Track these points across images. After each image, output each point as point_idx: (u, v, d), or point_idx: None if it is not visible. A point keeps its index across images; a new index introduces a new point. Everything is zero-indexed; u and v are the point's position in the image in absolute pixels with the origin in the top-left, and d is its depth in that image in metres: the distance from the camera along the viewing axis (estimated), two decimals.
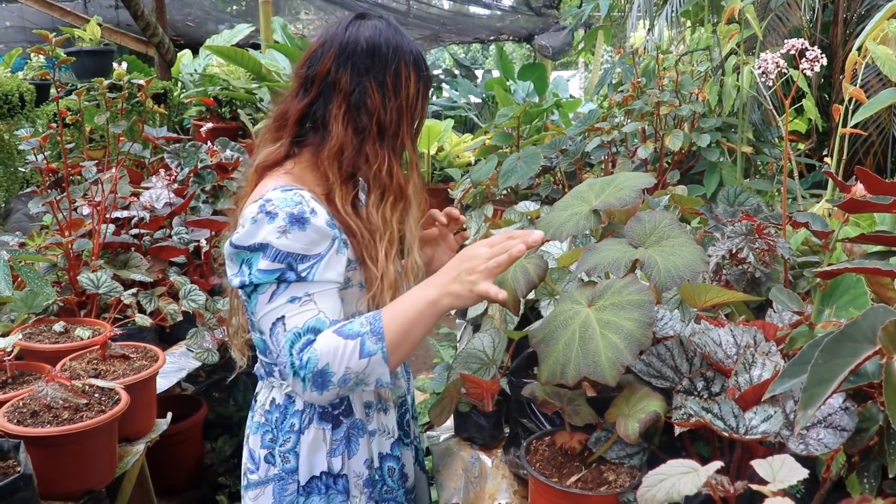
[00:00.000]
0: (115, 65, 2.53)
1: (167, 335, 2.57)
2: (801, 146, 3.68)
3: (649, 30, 4.06)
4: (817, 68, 1.74)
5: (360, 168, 1.43)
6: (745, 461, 1.28)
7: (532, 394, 1.34)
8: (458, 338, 2.58)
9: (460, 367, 1.69)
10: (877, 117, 3.83)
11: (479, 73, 10.36)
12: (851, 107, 2.55)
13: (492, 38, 7.39)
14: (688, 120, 3.07)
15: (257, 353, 1.51)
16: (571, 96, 9.67)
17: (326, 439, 1.46)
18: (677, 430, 1.26)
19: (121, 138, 2.53)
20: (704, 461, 1.36)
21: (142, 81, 2.41)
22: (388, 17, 1.51)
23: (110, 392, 1.68)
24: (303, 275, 1.29)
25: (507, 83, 8.32)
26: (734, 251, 1.83)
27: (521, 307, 1.75)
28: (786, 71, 1.83)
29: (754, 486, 0.87)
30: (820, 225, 1.62)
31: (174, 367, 2.38)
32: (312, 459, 1.45)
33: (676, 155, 3.06)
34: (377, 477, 1.51)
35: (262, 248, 1.29)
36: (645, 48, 3.20)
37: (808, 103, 2.77)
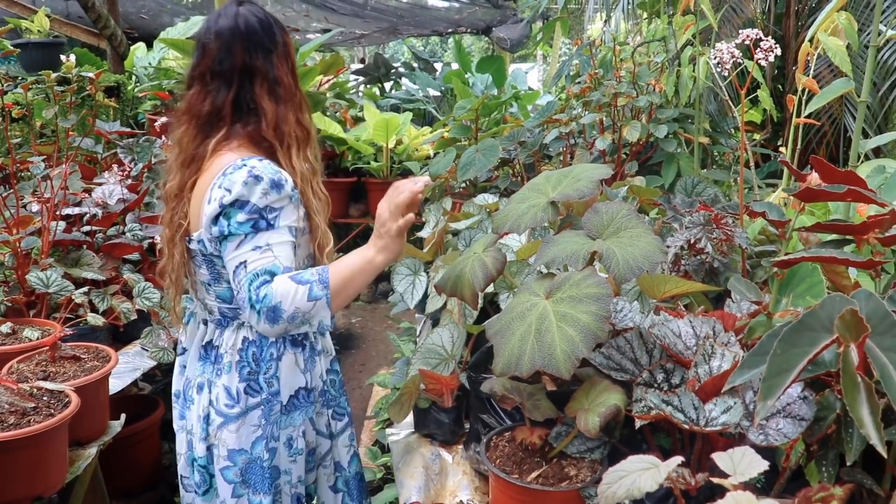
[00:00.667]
0: (62, 57, 2.46)
1: (121, 334, 2.51)
2: (757, 136, 3.72)
3: (606, 21, 4.07)
4: (771, 58, 1.75)
5: (288, 130, 1.66)
6: (706, 453, 1.28)
7: (491, 389, 1.32)
8: (417, 332, 2.56)
9: (419, 362, 1.68)
10: (829, 108, 3.88)
11: (437, 66, 10.32)
12: (805, 97, 2.58)
13: (450, 30, 7.36)
14: (645, 111, 3.08)
15: (220, 304, 1.69)
16: (530, 88, 9.68)
17: (298, 361, 1.71)
18: (638, 424, 1.25)
19: (71, 133, 2.46)
20: (665, 453, 1.37)
21: (91, 74, 2.35)
22: None
23: (60, 395, 1.63)
24: (272, 223, 1.54)
25: (466, 76, 8.30)
26: (692, 241, 1.83)
27: (480, 301, 1.73)
28: (741, 62, 1.83)
29: (715, 480, 0.86)
30: (777, 214, 1.63)
31: (128, 367, 2.33)
32: (291, 380, 1.69)
33: (634, 146, 3.07)
34: (326, 388, 1.81)
35: (243, 205, 1.52)
36: (602, 40, 3.20)
37: (763, 94, 2.79)
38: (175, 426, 1.78)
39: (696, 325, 1.37)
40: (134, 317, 2.43)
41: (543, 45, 15.05)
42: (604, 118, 2.99)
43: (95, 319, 2.23)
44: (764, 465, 0.88)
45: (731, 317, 1.46)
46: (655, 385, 1.31)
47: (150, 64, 5.92)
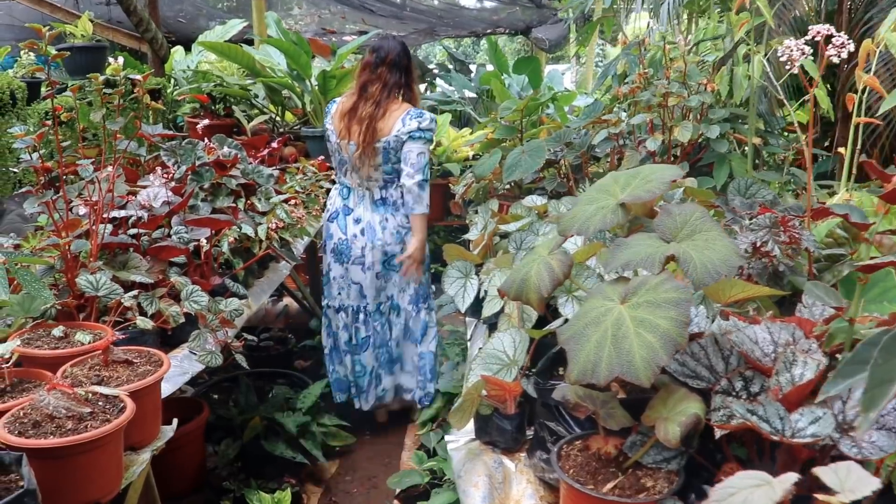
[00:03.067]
0: (110, 59, 2.45)
1: (169, 338, 2.50)
2: (804, 137, 3.62)
3: (650, 20, 4.00)
4: (844, 55, 1.68)
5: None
6: (788, 465, 1.22)
7: (563, 397, 1.27)
8: (468, 336, 2.51)
9: (480, 367, 1.63)
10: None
11: (472, 67, 10.28)
12: (865, 96, 2.50)
13: (488, 31, 7.31)
14: (696, 111, 3.01)
15: (385, 176, 3.60)
16: (566, 89, 9.60)
17: None
18: (718, 433, 1.20)
19: (118, 136, 2.45)
20: (742, 464, 1.31)
21: (138, 76, 2.34)
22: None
23: (115, 399, 1.61)
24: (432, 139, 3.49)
25: (502, 77, 8.25)
26: (758, 244, 1.77)
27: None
28: (809, 57, 1.77)
29: (821, 497, 0.81)
30: (859, 217, 1.56)
31: (177, 370, 2.31)
32: None
33: (684, 147, 3.00)
34: None
35: (429, 130, 3.44)
36: (648, 39, 3.14)
37: (820, 93, 2.71)
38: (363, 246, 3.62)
39: (773, 332, 1.31)
40: (182, 320, 2.42)
41: (580, 46, 14.95)
42: (653, 119, 2.93)
43: (144, 323, 2.21)
44: (875, 482, 0.83)
45: (808, 322, 1.39)
46: (734, 393, 1.25)
47: (188, 67, 5.94)
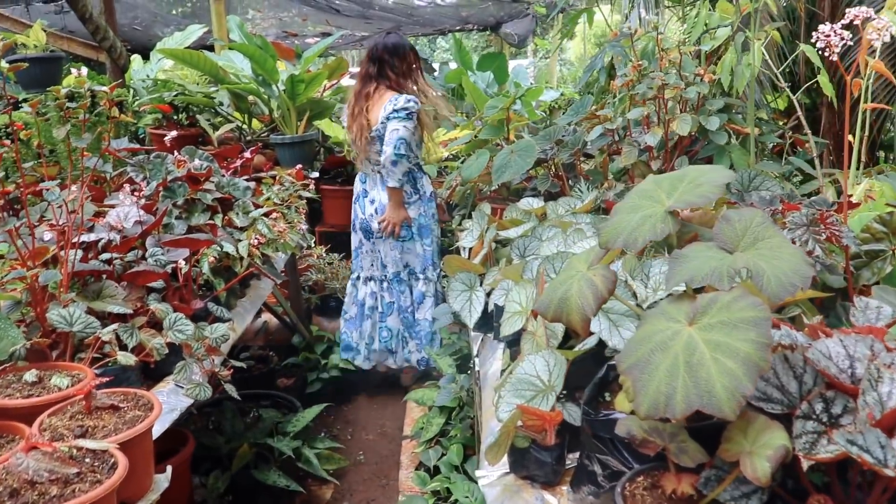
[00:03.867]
0: (73, 70, 2.25)
1: (151, 371, 2.31)
2: (781, 124, 3.52)
3: (628, 12, 3.88)
4: (887, 38, 1.56)
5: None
6: (881, 496, 1.10)
7: (629, 433, 1.13)
8: (473, 351, 2.36)
9: (511, 395, 1.48)
10: (873, 93, 3.71)
11: (434, 65, 10.12)
12: (871, 80, 2.40)
13: (457, 28, 7.16)
14: (692, 103, 2.89)
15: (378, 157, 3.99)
16: (533, 84, 9.47)
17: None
18: (806, 465, 1.06)
19: (84, 154, 2.26)
20: (817, 489, 1.18)
21: (105, 88, 2.15)
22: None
23: (103, 454, 1.43)
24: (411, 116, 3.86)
25: (467, 74, 8.09)
26: (797, 244, 1.64)
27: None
28: (849, 42, 1.64)
29: None
30: None
31: (165, 407, 2.12)
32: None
33: (682, 140, 2.88)
34: None
35: (403, 108, 3.84)
36: (635, 29, 3.01)
37: (823, 79, 2.61)
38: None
39: (848, 345, 1.18)
40: (166, 352, 2.23)
41: (541, 41, 14.87)
42: (650, 112, 2.80)
43: (126, 359, 2.02)
44: None
45: (879, 331, 1.27)
46: (814, 417, 1.12)
47: (147, 76, 5.71)
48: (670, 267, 1.17)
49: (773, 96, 3.85)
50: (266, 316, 4.29)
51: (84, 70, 2.21)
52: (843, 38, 1.60)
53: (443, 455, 3.17)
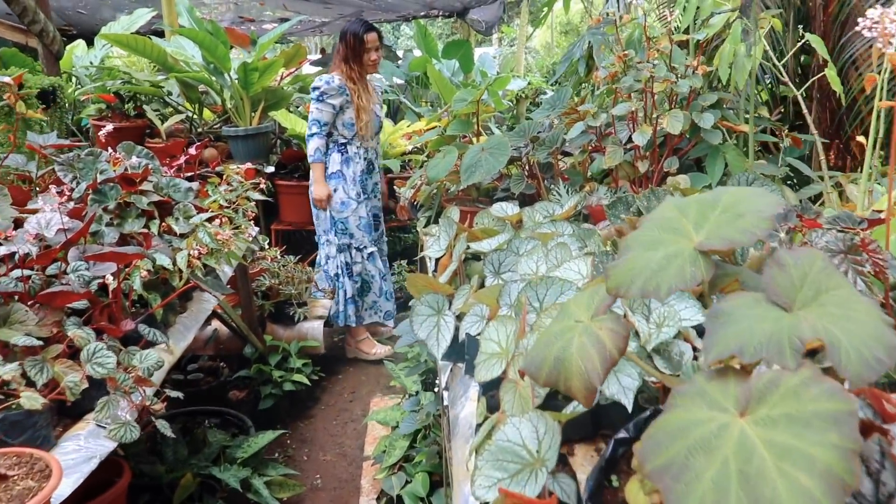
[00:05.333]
0: None
1: (69, 408, 1.99)
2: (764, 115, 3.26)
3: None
4: None
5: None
6: None
7: None
8: (441, 384, 2.08)
9: (491, 466, 1.19)
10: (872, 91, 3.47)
11: (398, 53, 9.76)
12: (887, 76, 2.15)
13: (421, 14, 6.83)
14: (683, 98, 2.63)
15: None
16: (499, 73, 9.18)
17: None
18: None
19: None
20: None
21: (8, 79, 1.81)
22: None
23: None
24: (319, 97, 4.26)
25: (432, 62, 7.78)
26: None
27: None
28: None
29: None
30: None
31: (80, 456, 1.81)
32: None
33: (672, 139, 2.61)
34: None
35: (314, 88, 4.25)
36: (623, 15, 2.73)
37: (831, 72, 2.35)
38: None
39: None
40: (83, 388, 1.91)
41: (508, 28, 14.57)
42: (637, 108, 2.53)
43: (31, 401, 1.70)
44: None
45: None
46: None
47: (91, 63, 5.32)
48: (709, 328, 0.89)
49: (757, 89, 3.61)
50: (216, 323, 3.96)
51: None
52: None
53: (407, 482, 2.89)
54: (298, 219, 5.06)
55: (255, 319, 3.90)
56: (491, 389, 1.56)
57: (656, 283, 0.96)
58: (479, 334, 1.84)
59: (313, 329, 4.14)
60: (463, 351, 1.93)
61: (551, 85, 7.60)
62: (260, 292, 4.14)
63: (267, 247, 4.10)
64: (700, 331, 1.52)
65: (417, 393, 3.07)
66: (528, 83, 8.47)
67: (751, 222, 0.96)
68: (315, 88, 4.24)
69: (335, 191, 4.39)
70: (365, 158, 4.46)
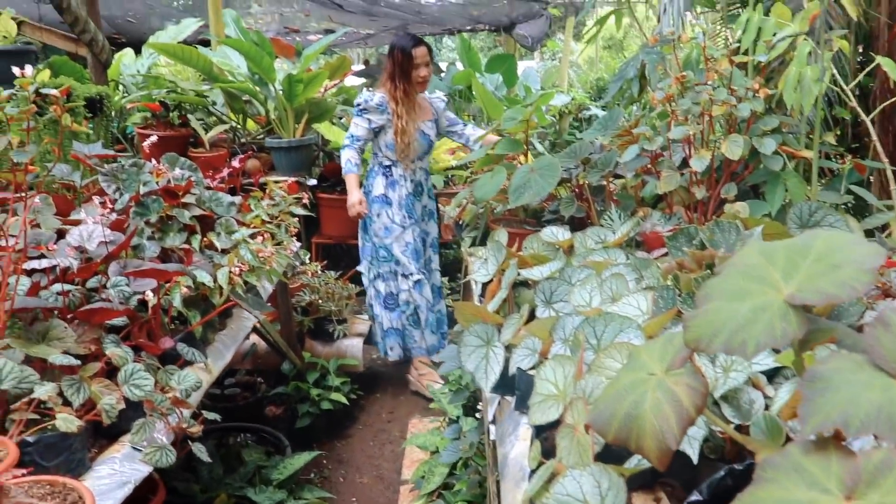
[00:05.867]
0: (23, 69, 1.88)
1: (105, 428, 1.94)
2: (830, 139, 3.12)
3: (662, 15, 3.50)
4: None
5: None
6: None
7: None
8: (487, 415, 1.99)
9: None
10: None
11: (442, 65, 9.73)
12: None
13: (467, 27, 6.78)
14: (742, 121, 2.52)
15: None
16: (542, 88, 9.09)
17: None
18: None
19: (29, 168, 1.89)
20: None
21: (55, 91, 1.78)
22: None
23: None
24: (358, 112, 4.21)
25: (476, 76, 7.71)
26: None
27: None
28: None
29: None
30: None
31: (115, 481, 1.76)
32: None
33: (730, 164, 2.50)
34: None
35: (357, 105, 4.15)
36: (681, 34, 2.64)
37: None
38: None
39: None
40: (122, 406, 1.86)
41: (552, 43, 14.47)
42: (695, 132, 2.43)
43: (67, 423, 1.65)
44: None
45: None
46: None
47: (137, 72, 5.34)
48: (805, 394, 0.80)
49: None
50: (255, 338, 3.92)
51: (30, 68, 1.84)
52: None
53: None
54: (339, 232, 5.01)
55: (294, 335, 3.85)
56: (545, 431, 1.48)
57: (742, 340, 0.87)
58: (531, 369, 1.77)
59: (352, 347, 4.08)
60: (512, 384, 1.85)
61: (602, 106, 7.48)
62: (300, 308, 4.10)
63: (308, 261, 4.05)
64: (770, 375, 1.42)
65: (458, 419, 2.99)
66: (572, 99, 8.38)
67: (850, 275, 0.86)
68: (357, 104, 4.16)
69: (378, 216, 4.21)
70: (411, 181, 4.26)
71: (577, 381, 1.38)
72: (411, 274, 4.21)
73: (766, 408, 1.31)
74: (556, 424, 1.38)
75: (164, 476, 2.74)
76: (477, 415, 3.07)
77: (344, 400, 3.75)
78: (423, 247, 4.34)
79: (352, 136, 4.12)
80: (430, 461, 3.04)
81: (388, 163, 4.22)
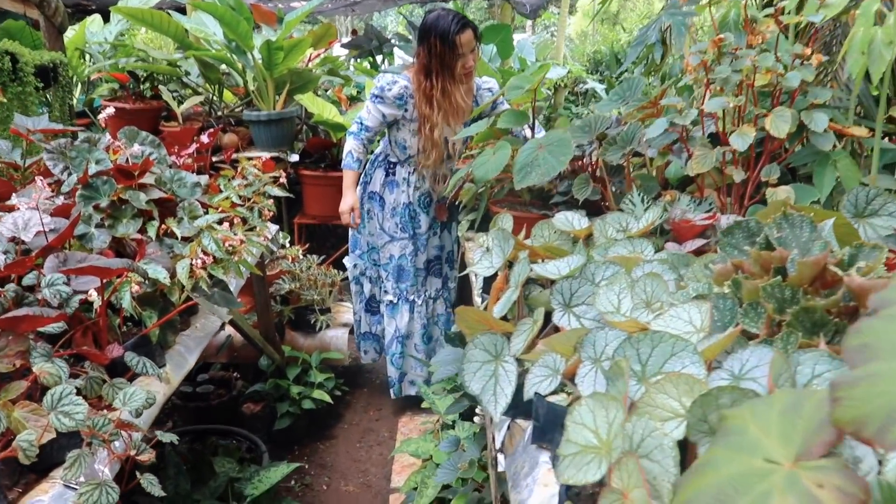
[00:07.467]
0: None
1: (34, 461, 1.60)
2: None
3: None
4: None
5: None
6: None
7: None
8: (494, 440, 1.66)
9: None
10: None
11: None
12: None
13: None
14: (787, 93, 2.18)
15: None
16: (538, 60, 8.72)
17: None
18: None
19: None
20: None
21: None
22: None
23: None
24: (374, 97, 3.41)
25: None
26: None
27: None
28: None
29: None
30: None
31: None
32: None
33: (772, 142, 2.16)
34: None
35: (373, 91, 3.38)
36: None
37: None
38: None
39: None
40: (50, 437, 1.52)
41: (547, 14, 14.05)
42: (736, 104, 2.09)
43: None
44: None
45: None
46: None
47: (105, 39, 4.95)
48: None
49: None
50: (231, 329, 3.57)
51: None
52: None
53: None
54: (324, 212, 4.64)
55: (272, 327, 3.50)
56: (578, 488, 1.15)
57: None
58: (551, 394, 1.44)
59: (337, 338, 3.74)
60: (524, 405, 1.52)
61: (600, 79, 7.12)
62: (279, 297, 3.75)
63: (288, 245, 3.69)
64: None
65: (454, 424, 2.66)
66: (569, 72, 8.05)
67: None
68: (373, 90, 3.38)
69: (370, 220, 3.61)
70: (416, 188, 3.54)
71: (621, 430, 1.04)
72: (387, 293, 3.64)
73: None
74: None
75: (123, 492, 2.41)
76: (475, 419, 2.75)
77: (327, 399, 3.41)
78: (434, 263, 3.68)
79: (360, 122, 3.37)
80: (423, 471, 2.71)
81: (393, 159, 3.54)
